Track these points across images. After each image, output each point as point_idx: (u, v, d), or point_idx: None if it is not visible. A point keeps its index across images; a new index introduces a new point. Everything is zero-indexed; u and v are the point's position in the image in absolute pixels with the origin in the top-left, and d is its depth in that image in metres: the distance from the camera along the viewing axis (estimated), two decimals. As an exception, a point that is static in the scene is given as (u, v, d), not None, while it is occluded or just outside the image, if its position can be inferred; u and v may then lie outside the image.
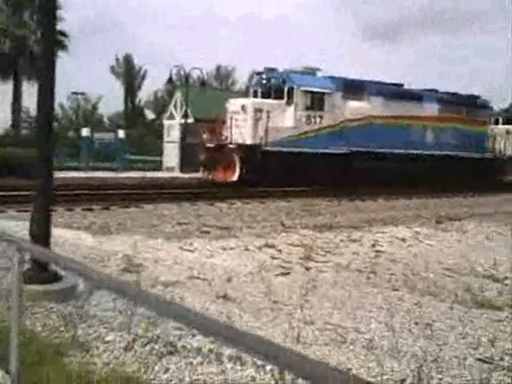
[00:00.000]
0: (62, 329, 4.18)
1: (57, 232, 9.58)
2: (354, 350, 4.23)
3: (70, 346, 3.78)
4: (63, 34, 34.22)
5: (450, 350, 4.46)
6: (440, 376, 3.85)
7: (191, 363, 3.67)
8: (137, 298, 2.27)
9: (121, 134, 28.85)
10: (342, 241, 10.59)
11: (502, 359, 4.28)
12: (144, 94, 70.12)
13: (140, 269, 7.03)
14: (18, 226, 9.01)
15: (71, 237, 9.40)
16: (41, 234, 4.97)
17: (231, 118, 20.48)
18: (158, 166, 31.92)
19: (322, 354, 4.05)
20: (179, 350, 3.83)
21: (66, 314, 4.53)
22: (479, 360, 4.25)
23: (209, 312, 5.08)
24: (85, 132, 27.94)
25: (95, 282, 2.53)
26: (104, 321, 4.38)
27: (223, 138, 20.93)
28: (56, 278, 5.13)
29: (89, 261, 7.32)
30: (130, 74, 67.21)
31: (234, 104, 21.26)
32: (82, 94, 55.71)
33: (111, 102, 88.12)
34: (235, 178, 19.98)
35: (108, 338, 4.03)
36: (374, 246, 10.28)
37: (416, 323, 5.20)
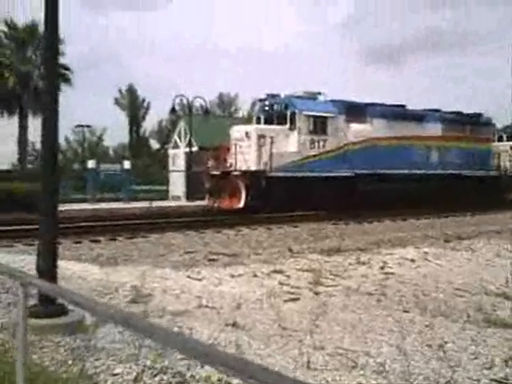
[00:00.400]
0: (70, 362, 4.15)
1: (64, 265, 9.61)
2: (365, 375, 4.17)
3: (77, 380, 3.75)
4: (66, 67, 34.73)
5: (463, 371, 4.39)
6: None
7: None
8: (144, 330, 2.25)
9: (126, 164, 29.00)
10: (350, 264, 10.53)
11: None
12: (148, 125, 70.80)
13: (148, 299, 7.00)
14: (24, 260, 9.03)
15: (78, 269, 9.39)
16: (47, 268, 4.97)
17: (235, 145, 20.57)
18: (165, 196, 32.00)
19: (332, 380, 4.00)
20: (188, 379, 3.79)
21: (73, 347, 4.50)
22: (493, 380, 4.18)
23: (218, 341, 5.04)
24: (91, 164, 28.10)
25: (101, 315, 2.51)
26: (112, 353, 4.35)
27: (228, 165, 20.99)
28: (63, 311, 5.11)
29: (96, 293, 7.30)
30: (134, 105, 67.89)
31: (237, 131, 21.37)
32: (88, 126, 56.31)
33: (116, 133, 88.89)
34: (241, 204, 19.99)
35: (117, 371, 3.99)
36: (382, 267, 10.20)
37: (428, 345, 5.13)
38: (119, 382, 3.83)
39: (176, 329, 5.41)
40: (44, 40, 4.68)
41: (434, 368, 4.41)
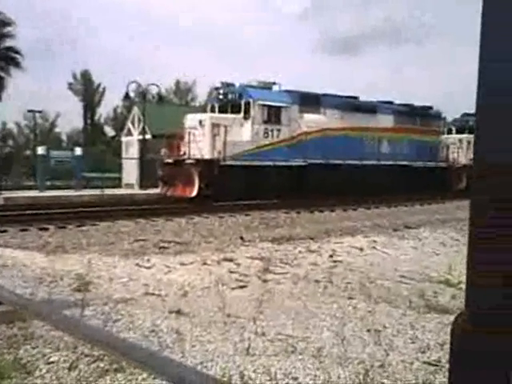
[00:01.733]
0: (5, 351, 4.05)
1: (8, 253, 9.41)
2: (303, 360, 4.22)
3: (11, 368, 3.67)
4: (16, 51, 33.67)
5: (398, 354, 4.51)
6: (385, 380, 3.89)
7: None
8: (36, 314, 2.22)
9: (78, 151, 28.40)
10: (300, 252, 10.64)
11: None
12: (104, 111, 69.53)
13: (93, 287, 6.90)
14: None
15: (23, 257, 9.19)
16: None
17: (189, 134, 20.46)
18: (118, 183, 31.55)
19: (269, 365, 4.04)
20: (124, 366, 3.77)
21: (9, 335, 4.40)
22: (425, 363, 4.31)
23: (159, 328, 5.02)
24: (40, 150, 27.36)
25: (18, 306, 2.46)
26: (49, 341, 4.27)
27: (181, 153, 20.88)
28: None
29: (39, 281, 7.15)
30: (88, 91, 66.47)
31: (191, 119, 21.25)
32: (39, 111, 54.90)
33: (70, 119, 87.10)
34: (194, 193, 19.93)
35: (52, 359, 3.92)
36: (331, 256, 10.35)
37: (368, 330, 5.24)
38: (54, 370, 3.77)
39: (118, 316, 5.37)
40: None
41: (371, 352, 4.51)
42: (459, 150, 30.38)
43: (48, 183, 26.67)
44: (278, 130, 21.99)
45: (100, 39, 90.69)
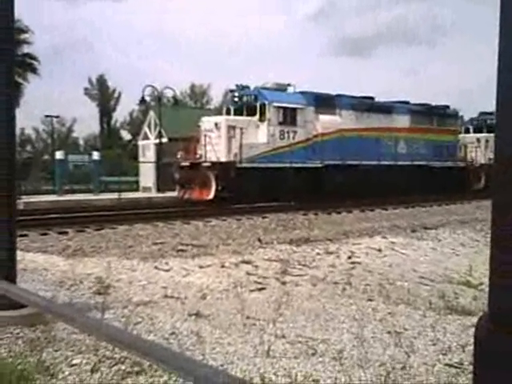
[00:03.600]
0: (28, 354, 4.10)
1: (29, 257, 9.51)
2: (323, 362, 4.22)
3: (34, 371, 3.71)
4: (32, 57, 34.07)
5: (420, 357, 4.48)
6: (406, 382, 3.86)
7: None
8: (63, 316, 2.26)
9: (95, 155, 28.67)
10: (318, 254, 10.61)
11: (471, 363, 4.30)
12: (120, 116, 70.09)
13: (113, 290, 6.95)
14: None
15: (44, 261, 9.29)
16: (6, 260, 4.89)
17: (205, 136, 20.54)
18: (135, 187, 31.77)
19: (290, 367, 4.04)
20: (146, 369, 3.80)
21: (32, 338, 4.46)
22: (447, 365, 4.27)
23: (179, 330, 5.04)
24: (58, 155, 27.69)
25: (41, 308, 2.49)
26: (71, 344, 4.31)
27: (198, 156, 20.96)
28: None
29: (60, 285, 7.22)
30: (104, 96, 67.06)
31: (207, 122, 21.33)
32: (56, 116, 55.52)
33: (86, 124, 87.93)
34: (211, 195, 19.99)
35: (75, 361, 3.97)
36: (350, 257, 10.30)
37: (388, 332, 5.21)
38: (77, 372, 3.81)
39: (138, 319, 5.40)
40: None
41: (391, 354, 4.49)
42: (477, 149, 30.07)
43: (66, 187, 26.96)
44: (294, 132, 21.98)
45: (116, 47, 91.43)
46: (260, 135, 21.35)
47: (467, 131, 32.12)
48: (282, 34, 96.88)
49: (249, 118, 21.51)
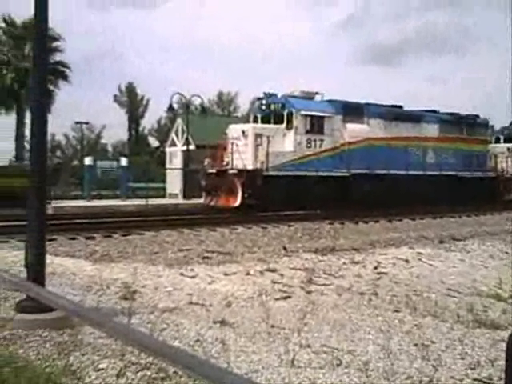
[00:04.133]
0: (55, 357, 4.15)
1: (57, 261, 9.64)
2: (349, 373, 4.18)
3: (61, 374, 3.76)
4: (64, 65, 34.71)
5: (448, 370, 4.40)
6: (434, 397, 3.81)
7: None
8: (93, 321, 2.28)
9: (123, 161, 28.99)
10: (344, 263, 10.54)
11: (500, 378, 4.20)
12: (148, 123, 70.86)
13: (138, 296, 7.01)
14: (18, 256, 9.02)
15: (72, 265, 9.41)
16: (36, 263, 4.97)
17: (232, 144, 20.61)
18: (162, 193, 32.01)
19: (315, 377, 4.01)
20: (171, 375, 3.82)
21: (59, 342, 4.51)
22: (476, 380, 4.19)
23: (204, 337, 5.05)
24: (87, 161, 28.07)
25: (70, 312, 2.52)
26: (98, 348, 4.35)
27: (224, 163, 21.04)
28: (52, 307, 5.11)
29: (87, 289, 7.31)
30: (133, 103, 67.91)
31: (234, 130, 21.41)
32: (86, 123, 56.40)
33: (115, 131, 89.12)
34: (237, 203, 20.00)
35: (101, 366, 4.00)
36: (376, 267, 10.21)
37: (415, 344, 5.14)
38: (103, 376, 3.85)
39: (163, 325, 5.43)
40: (34, 35, 4.67)
41: (418, 367, 4.42)
42: (508, 159, 29.55)
43: (94, 193, 27.30)
44: (321, 140, 21.91)
45: (145, 56, 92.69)
46: (287, 143, 21.33)
47: (498, 141, 31.62)
48: (311, 41, 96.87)
49: (276, 126, 21.51)
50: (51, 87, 34.13)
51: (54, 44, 35.10)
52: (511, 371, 1.18)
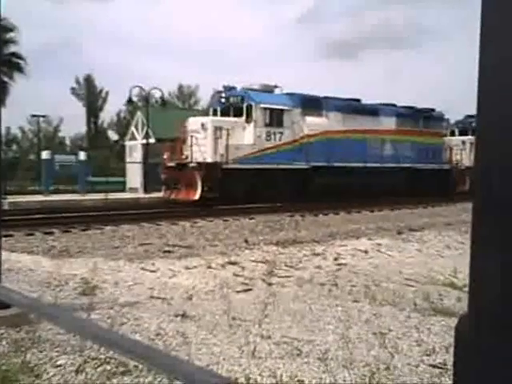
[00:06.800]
0: (13, 354, 4.08)
1: (14, 257, 9.44)
2: (308, 362, 4.24)
3: (18, 371, 3.70)
4: (19, 56, 33.82)
5: (404, 357, 4.52)
6: (390, 383, 3.90)
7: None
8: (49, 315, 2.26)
9: (82, 155, 28.50)
10: (305, 255, 10.65)
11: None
12: (107, 116, 69.73)
13: (98, 291, 6.93)
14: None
15: (29, 261, 9.23)
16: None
17: (191, 137, 20.49)
18: (122, 188, 31.63)
19: (275, 368, 4.06)
20: (132, 369, 3.80)
21: (16, 339, 4.43)
22: (431, 365, 4.32)
23: (165, 331, 5.04)
24: (45, 155, 27.47)
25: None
26: (56, 344, 4.30)
27: (184, 156, 20.91)
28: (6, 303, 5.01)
29: (46, 285, 7.19)
30: (91, 95, 66.68)
31: (193, 123, 21.29)
32: (43, 116, 55.12)
33: (74, 124, 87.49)
34: (197, 196, 19.94)
35: (59, 362, 3.95)
36: (336, 259, 10.36)
37: (373, 333, 5.25)
38: (62, 373, 3.80)
39: (124, 320, 5.39)
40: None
41: (376, 355, 4.52)
42: (462, 151, 30.35)
43: (52, 187, 26.76)
44: (281, 133, 22.01)
45: (106, 48, 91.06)
46: (246, 136, 21.36)
47: (453, 134, 32.42)
48: (271, 35, 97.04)
49: (235, 118, 21.51)
50: (5, 79, 33.23)
51: (8, 35, 34.17)
52: (459, 355, 1.23)
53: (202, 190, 19.88)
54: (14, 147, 66.92)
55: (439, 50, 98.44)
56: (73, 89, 66.64)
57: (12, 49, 35.47)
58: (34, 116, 54.21)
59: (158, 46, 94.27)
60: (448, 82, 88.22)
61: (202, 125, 20.74)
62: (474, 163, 1.13)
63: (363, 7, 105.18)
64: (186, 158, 20.71)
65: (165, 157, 21.95)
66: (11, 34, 35.00)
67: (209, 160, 20.25)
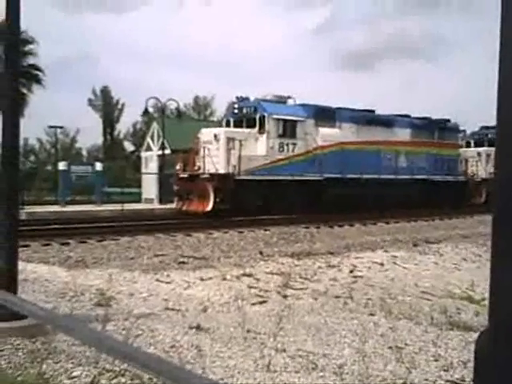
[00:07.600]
0: (28, 365, 4.09)
1: (30, 267, 9.51)
2: (324, 376, 4.20)
3: (34, 383, 3.70)
4: (37, 68, 34.24)
5: (421, 372, 4.45)
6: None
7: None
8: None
9: (98, 166, 28.69)
10: (320, 267, 10.59)
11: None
12: (123, 127, 70.26)
13: (113, 302, 6.94)
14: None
15: (45, 272, 9.29)
16: (6, 269, 4.88)
17: (204, 148, 20.49)
18: (137, 198, 31.78)
19: (290, 382, 4.02)
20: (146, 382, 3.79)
21: (32, 350, 4.44)
22: (449, 381, 4.25)
23: (180, 343, 5.03)
24: (61, 166, 27.70)
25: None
26: (71, 356, 4.30)
27: (196, 168, 20.91)
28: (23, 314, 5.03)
29: (61, 296, 7.22)
30: (107, 107, 67.29)
31: (206, 134, 21.28)
32: (60, 127, 55.66)
33: (90, 135, 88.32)
34: (209, 207, 19.87)
35: (74, 373, 3.95)
36: (351, 271, 10.29)
37: (389, 347, 5.19)
38: (76, 384, 3.80)
39: (139, 331, 5.39)
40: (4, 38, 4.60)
41: (392, 370, 4.47)
42: (478, 163, 30.05)
43: (69, 198, 26.96)
44: (294, 144, 21.92)
45: (122, 61, 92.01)
46: (259, 147, 21.29)
47: (468, 145, 32.13)
48: (286, 47, 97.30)
49: (248, 129, 21.47)
50: (24, 90, 33.65)
51: (27, 47, 34.65)
52: (479, 371, 1.21)
53: (214, 202, 19.84)
54: (32, 158, 67.62)
55: (455, 60, 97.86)
56: (90, 100, 67.35)
57: (31, 61, 36.03)
58: (51, 127, 54.80)
59: (175, 57, 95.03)
60: (464, 93, 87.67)
61: (215, 136, 20.74)
62: (493, 175, 1.10)
63: (379, 15, 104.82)
64: (199, 169, 20.70)
65: (177, 168, 21.97)
66: (30, 46, 35.53)
67: (221, 171, 20.22)
